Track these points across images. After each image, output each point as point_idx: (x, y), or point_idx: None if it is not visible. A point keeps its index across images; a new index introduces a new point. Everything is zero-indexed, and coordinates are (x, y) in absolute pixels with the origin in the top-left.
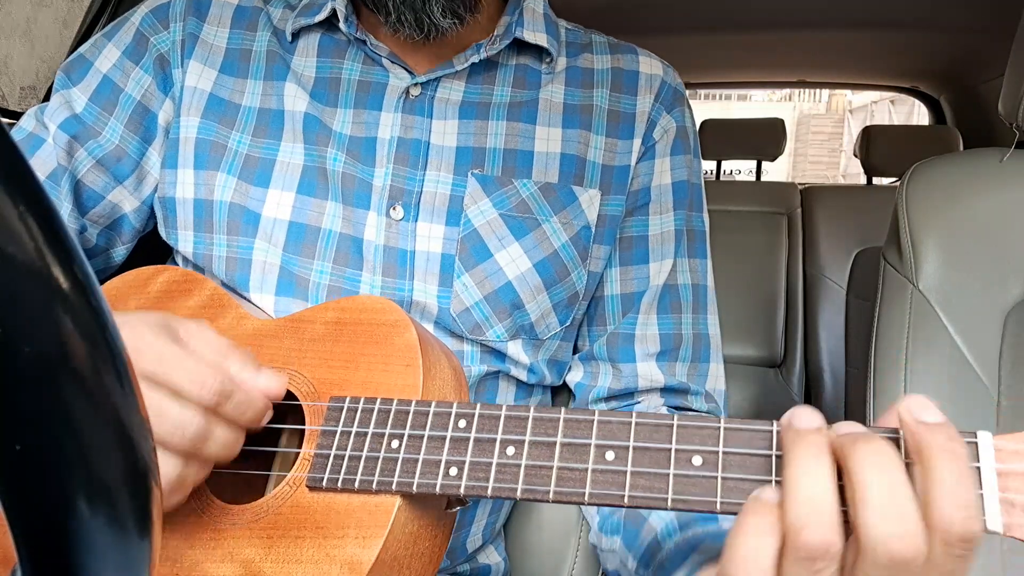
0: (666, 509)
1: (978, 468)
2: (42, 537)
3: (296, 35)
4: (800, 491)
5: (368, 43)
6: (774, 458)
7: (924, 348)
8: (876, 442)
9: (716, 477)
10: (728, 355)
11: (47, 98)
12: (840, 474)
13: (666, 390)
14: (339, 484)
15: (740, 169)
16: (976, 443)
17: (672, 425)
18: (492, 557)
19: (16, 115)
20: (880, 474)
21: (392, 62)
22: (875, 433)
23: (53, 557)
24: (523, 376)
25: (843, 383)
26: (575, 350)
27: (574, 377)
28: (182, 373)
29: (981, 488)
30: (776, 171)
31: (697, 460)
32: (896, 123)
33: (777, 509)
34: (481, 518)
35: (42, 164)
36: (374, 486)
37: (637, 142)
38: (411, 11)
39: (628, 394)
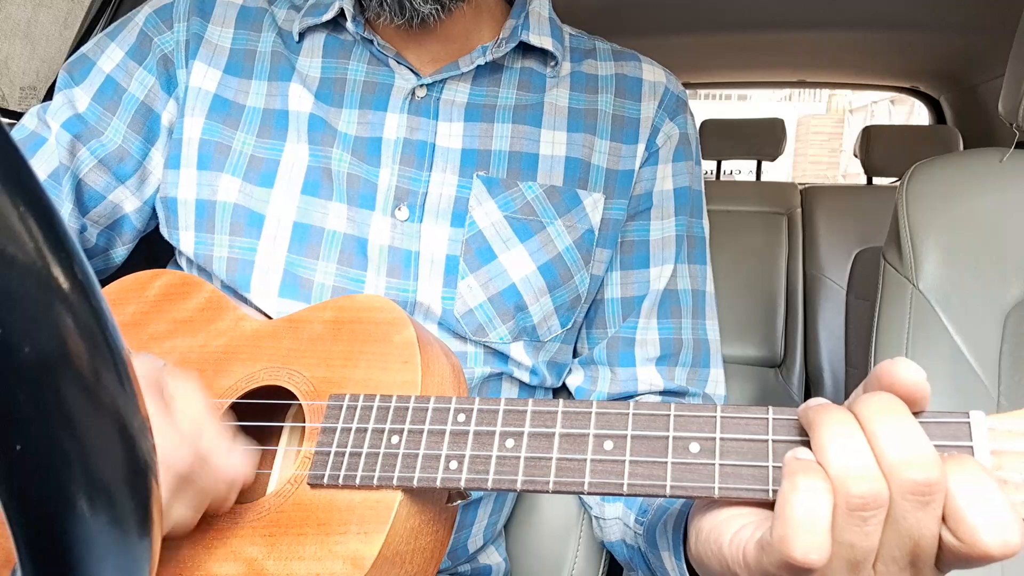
0: (665, 496)
1: (971, 448)
2: (42, 537)
3: (302, 35)
4: (837, 445)
5: (375, 43)
6: (770, 443)
7: (924, 348)
8: (879, 393)
9: (714, 464)
10: (728, 355)
11: (48, 98)
12: None
13: (665, 393)
14: (340, 481)
15: (740, 169)
16: (969, 423)
17: (669, 414)
18: (493, 557)
19: (16, 115)
20: (889, 415)
21: (398, 63)
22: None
23: (53, 557)
24: (525, 378)
25: (843, 383)
26: (575, 354)
27: (574, 381)
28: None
29: None
30: (776, 171)
31: (695, 447)
32: (896, 123)
33: (821, 467)
34: (482, 519)
35: (44, 163)
36: (375, 482)
37: (641, 147)
38: None
39: (627, 398)
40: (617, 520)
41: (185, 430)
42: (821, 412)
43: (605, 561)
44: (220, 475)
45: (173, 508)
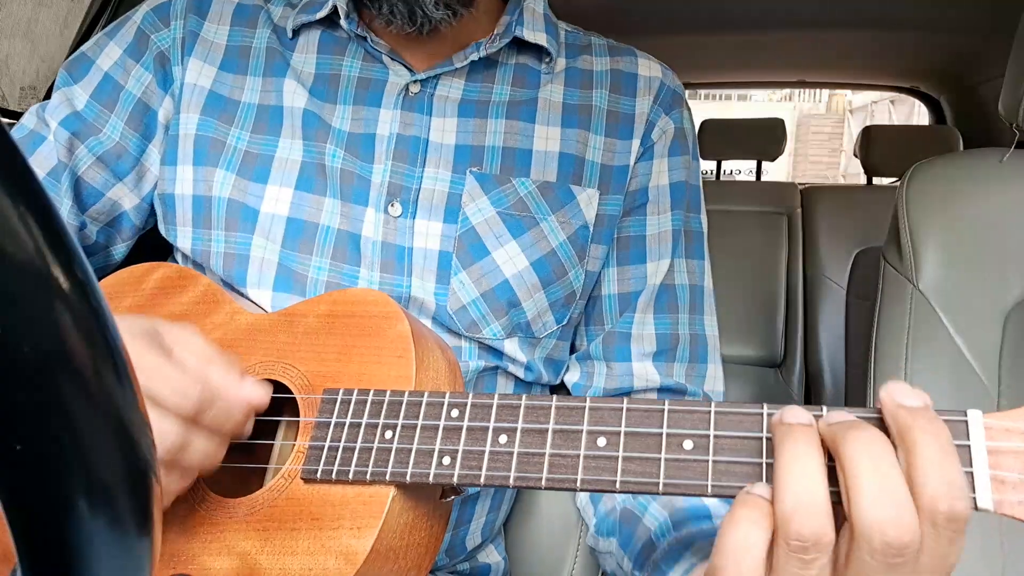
0: (658, 493)
1: (968, 446)
2: (42, 537)
3: (296, 32)
4: (790, 483)
5: (368, 40)
6: (764, 440)
7: (924, 348)
8: (867, 430)
9: (707, 461)
10: (728, 355)
11: (48, 97)
12: (832, 469)
13: (663, 390)
14: (333, 475)
15: (740, 169)
16: (966, 422)
17: (663, 410)
18: (492, 556)
19: (16, 115)
20: (872, 460)
21: (392, 59)
22: (864, 421)
23: (53, 557)
24: (521, 373)
25: (843, 383)
26: (572, 350)
27: (571, 378)
28: (161, 383)
29: (972, 466)
30: (776, 171)
31: (688, 444)
32: (896, 123)
33: (768, 503)
34: (480, 516)
35: (43, 161)
36: (368, 477)
37: (636, 143)
38: (404, 3)
39: (624, 394)
40: (611, 554)
41: (192, 369)
42: (788, 435)
43: None
44: (234, 405)
45: (192, 445)
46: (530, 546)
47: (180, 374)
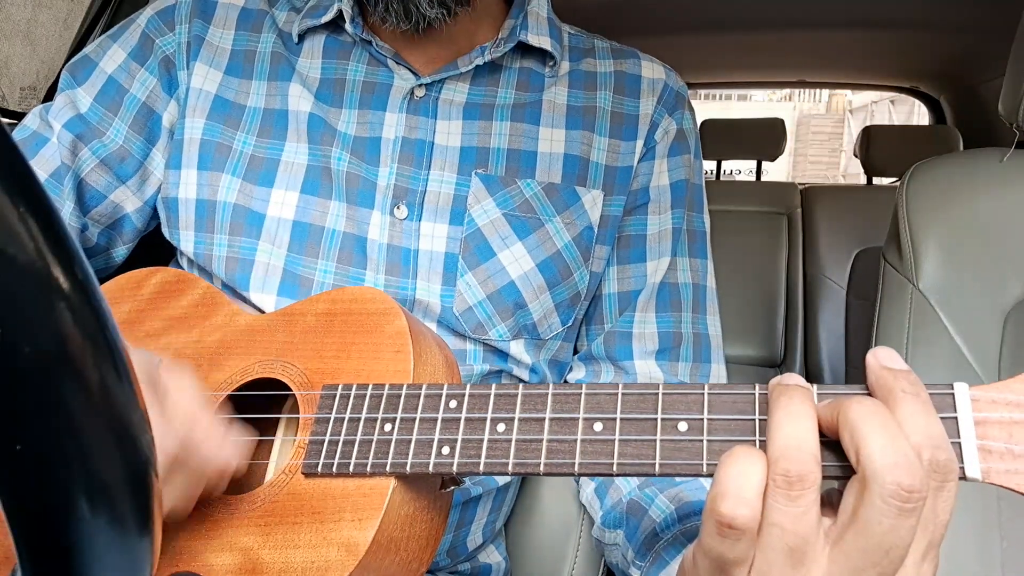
0: (654, 475)
1: (955, 418)
2: (42, 537)
3: (302, 37)
4: (782, 424)
5: (374, 44)
6: (757, 421)
7: (924, 348)
8: (864, 397)
9: (701, 441)
10: (728, 355)
11: (47, 98)
12: (827, 443)
13: None
14: (334, 469)
15: (740, 169)
16: (953, 394)
17: (658, 394)
18: (493, 556)
19: (16, 115)
20: (876, 416)
21: (397, 63)
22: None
23: (53, 557)
24: (525, 376)
25: (843, 383)
26: (575, 351)
27: (576, 376)
28: None
29: (959, 437)
30: (776, 171)
31: (683, 426)
32: (896, 123)
33: (763, 450)
34: (481, 517)
35: (45, 163)
36: (368, 469)
37: (639, 143)
38: (399, 1)
39: None
40: (617, 546)
41: (177, 423)
42: (783, 391)
43: (605, 561)
44: (211, 463)
45: (164, 495)
46: (531, 546)
47: (166, 428)
